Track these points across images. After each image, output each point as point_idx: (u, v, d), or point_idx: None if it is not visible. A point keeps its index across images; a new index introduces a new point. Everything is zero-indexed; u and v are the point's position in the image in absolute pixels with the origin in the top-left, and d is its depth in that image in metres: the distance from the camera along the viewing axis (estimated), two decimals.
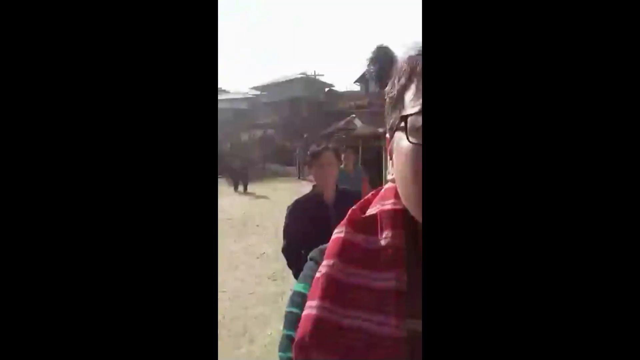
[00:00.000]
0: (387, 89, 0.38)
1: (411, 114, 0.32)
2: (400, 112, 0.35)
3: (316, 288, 0.34)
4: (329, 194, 1.58)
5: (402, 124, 0.33)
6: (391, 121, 0.38)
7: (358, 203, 0.42)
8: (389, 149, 0.39)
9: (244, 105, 22.95)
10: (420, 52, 0.35)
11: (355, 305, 0.32)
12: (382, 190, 0.41)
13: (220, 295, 3.16)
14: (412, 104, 0.34)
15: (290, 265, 1.64)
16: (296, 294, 0.40)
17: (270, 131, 19.18)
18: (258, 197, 9.21)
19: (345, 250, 0.35)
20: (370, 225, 0.37)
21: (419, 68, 0.34)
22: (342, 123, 13.95)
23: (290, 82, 22.92)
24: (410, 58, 0.36)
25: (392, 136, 0.38)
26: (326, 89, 25.65)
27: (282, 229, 1.67)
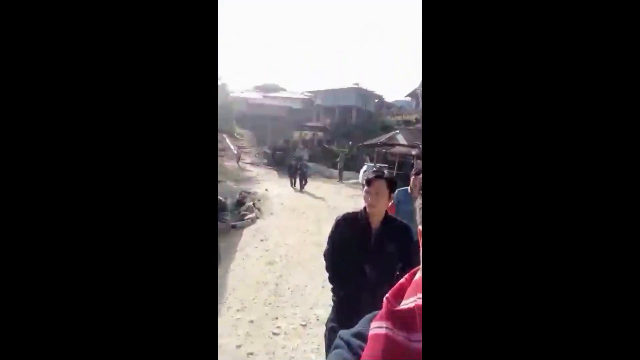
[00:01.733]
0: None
1: None
2: None
3: None
4: (375, 221, 1.58)
5: None
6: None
7: (391, 291, 0.41)
8: (421, 241, 0.39)
9: (297, 105, 25.09)
10: None
11: None
12: (419, 278, 0.39)
13: (284, 246, 4.97)
14: None
15: (327, 268, 1.70)
16: None
17: (319, 134, 21.05)
18: (303, 192, 11.02)
19: (389, 351, 0.35)
20: (408, 321, 0.36)
21: None
22: (385, 137, 15.36)
23: (343, 91, 24.64)
24: None
25: None
26: (376, 100, 27.05)
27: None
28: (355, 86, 25.12)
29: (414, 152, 10.39)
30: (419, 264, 1.12)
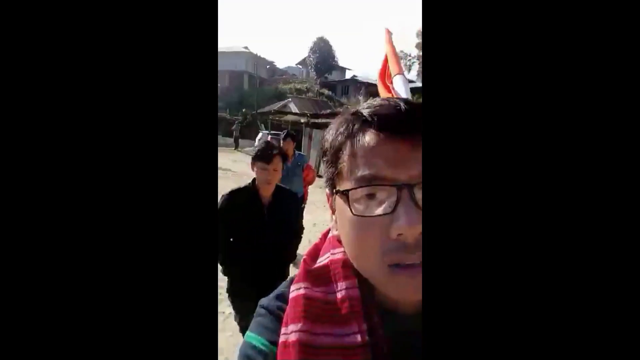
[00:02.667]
0: (323, 141, 0.39)
1: (351, 189, 0.33)
2: (336, 168, 0.36)
3: (287, 356, 0.34)
4: (267, 194, 1.57)
5: (343, 195, 0.34)
6: (328, 175, 0.38)
7: (308, 251, 0.42)
8: (329, 203, 0.40)
9: None
10: (355, 109, 0.37)
11: None
12: (331, 237, 0.42)
13: None
14: (350, 172, 0.34)
15: (219, 249, 1.60)
16: (248, 345, 0.38)
17: None
18: None
19: (308, 309, 0.36)
20: (324, 276, 0.38)
21: (355, 127, 0.35)
22: (279, 105, 15.66)
23: (232, 54, 23.41)
24: (344, 116, 0.37)
25: (331, 192, 0.38)
26: (267, 66, 26.73)
27: (225, 187, 1.59)
28: (246, 50, 24.16)
29: (302, 120, 11.09)
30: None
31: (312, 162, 9.16)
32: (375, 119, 0.33)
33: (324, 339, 0.34)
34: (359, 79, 23.33)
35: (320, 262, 0.40)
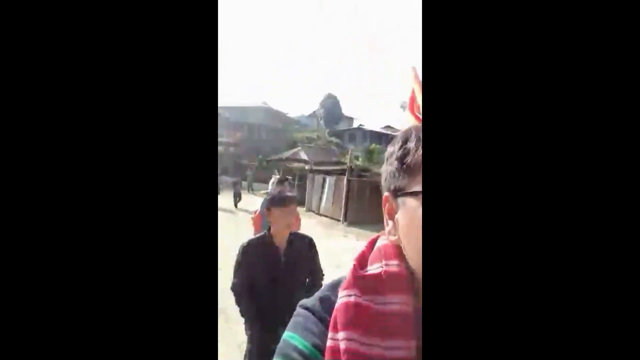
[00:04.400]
0: (396, 148, 0.39)
1: None
2: (410, 177, 0.37)
3: None
4: (282, 241, 1.59)
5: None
6: (398, 184, 0.38)
7: (355, 259, 0.42)
8: (387, 207, 0.40)
9: None
10: None
11: None
12: (382, 246, 0.41)
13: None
14: None
15: (238, 301, 1.60)
16: (289, 345, 0.38)
17: (232, 149, 22.45)
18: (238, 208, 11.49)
19: (358, 318, 0.36)
20: (375, 285, 0.38)
21: None
22: (290, 153, 17.79)
23: (252, 109, 26.50)
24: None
25: (396, 197, 0.38)
26: (281, 117, 29.69)
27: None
28: (264, 105, 27.33)
29: (307, 167, 13.05)
30: (320, 269, 1.74)
31: (313, 203, 10.76)
32: None
33: (372, 350, 0.35)
34: (364, 127, 25.75)
35: (370, 271, 0.40)
